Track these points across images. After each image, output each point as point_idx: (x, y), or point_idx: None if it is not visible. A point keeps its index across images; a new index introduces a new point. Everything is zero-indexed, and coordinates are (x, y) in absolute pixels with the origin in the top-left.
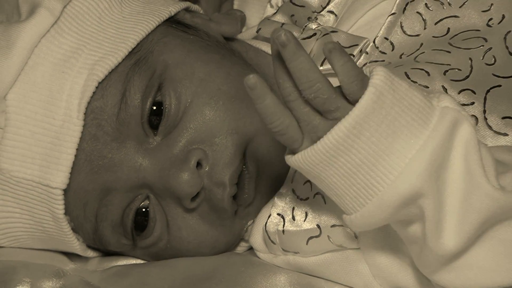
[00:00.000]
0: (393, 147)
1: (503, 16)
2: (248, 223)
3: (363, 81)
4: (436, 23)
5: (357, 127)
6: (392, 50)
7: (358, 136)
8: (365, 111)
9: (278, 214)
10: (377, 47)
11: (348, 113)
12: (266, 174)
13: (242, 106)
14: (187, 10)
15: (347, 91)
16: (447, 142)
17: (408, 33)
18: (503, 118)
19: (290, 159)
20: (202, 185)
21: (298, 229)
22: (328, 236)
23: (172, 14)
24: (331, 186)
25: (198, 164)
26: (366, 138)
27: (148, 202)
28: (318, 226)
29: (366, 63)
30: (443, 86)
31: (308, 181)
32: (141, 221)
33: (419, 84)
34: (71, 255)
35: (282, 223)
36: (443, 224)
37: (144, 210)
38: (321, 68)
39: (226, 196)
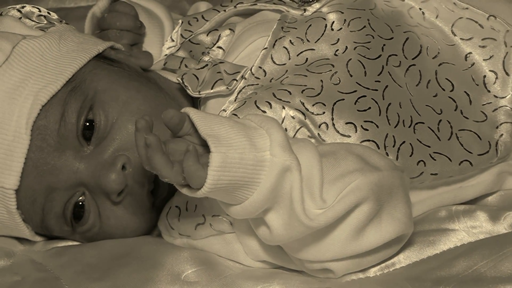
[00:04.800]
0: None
1: (346, 47)
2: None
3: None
4: (298, 55)
5: (214, 184)
6: (265, 76)
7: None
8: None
9: (176, 206)
10: (253, 74)
11: (202, 182)
12: None
13: (157, 121)
14: (112, 48)
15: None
16: (278, 183)
17: (277, 63)
18: (346, 123)
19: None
20: (126, 183)
21: (189, 218)
22: (210, 223)
23: (100, 51)
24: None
25: (124, 167)
26: (222, 187)
27: (84, 197)
28: (203, 216)
29: (245, 86)
30: (300, 101)
31: None
32: (79, 212)
33: (283, 101)
34: (21, 239)
35: (179, 213)
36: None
37: (80, 203)
38: (211, 90)
39: (145, 192)
